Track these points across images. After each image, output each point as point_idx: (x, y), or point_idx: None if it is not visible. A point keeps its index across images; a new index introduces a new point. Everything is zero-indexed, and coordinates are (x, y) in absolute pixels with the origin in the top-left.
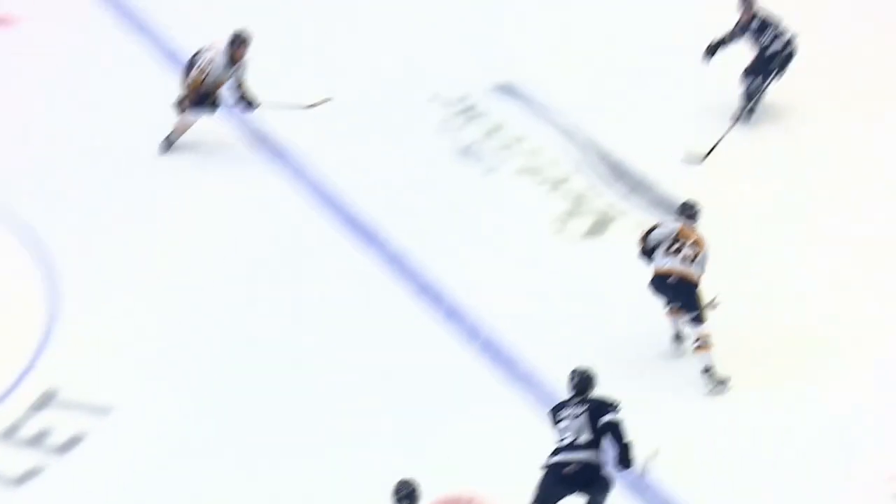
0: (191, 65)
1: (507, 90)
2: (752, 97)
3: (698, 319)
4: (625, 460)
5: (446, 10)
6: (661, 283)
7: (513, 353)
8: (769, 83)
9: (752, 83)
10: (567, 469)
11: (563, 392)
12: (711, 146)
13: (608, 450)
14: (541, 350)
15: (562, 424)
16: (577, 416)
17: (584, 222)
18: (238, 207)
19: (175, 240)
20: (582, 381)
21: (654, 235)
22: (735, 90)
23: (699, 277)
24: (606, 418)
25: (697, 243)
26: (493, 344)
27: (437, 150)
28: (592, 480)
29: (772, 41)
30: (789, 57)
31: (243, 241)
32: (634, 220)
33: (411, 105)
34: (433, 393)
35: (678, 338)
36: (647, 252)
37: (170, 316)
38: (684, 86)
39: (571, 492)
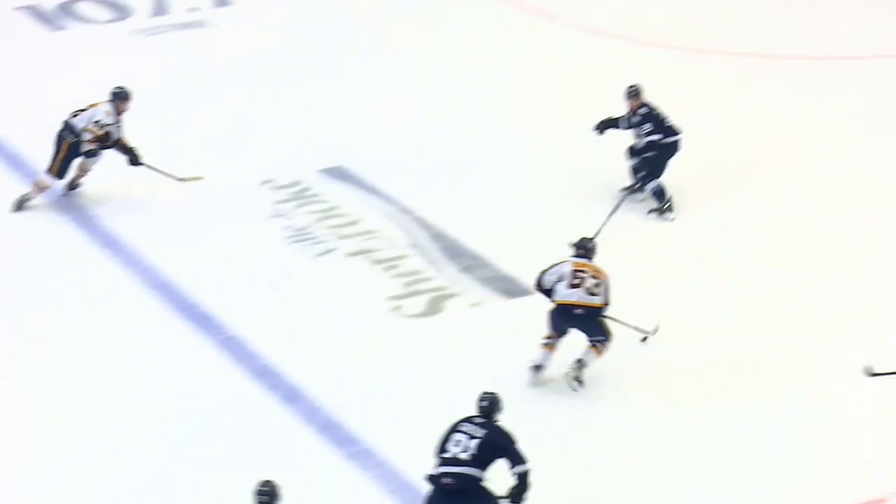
0: (69, 128)
1: (339, 174)
2: (646, 182)
3: (605, 340)
4: (516, 498)
5: (278, 94)
6: (566, 313)
7: (352, 432)
8: (656, 172)
9: (641, 170)
10: (445, 480)
11: (408, 469)
12: (600, 226)
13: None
14: (380, 429)
15: (456, 437)
16: (472, 437)
17: (420, 301)
18: (75, 297)
19: None
20: (490, 405)
21: (551, 273)
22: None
23: (604, 305)
24: (517, 469)
25: (597, 275)
26: (332, 424)
27: (271, 234)
28: (471, 493)
29: (655, 131)
30: (674, 147)
31: (74, 329)
32: (469, 299)
33: (244, 189)
34: (275, 473)
35: (538, 368)
36: (544, 290)
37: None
38: (507, 169)
39: (449, 501)
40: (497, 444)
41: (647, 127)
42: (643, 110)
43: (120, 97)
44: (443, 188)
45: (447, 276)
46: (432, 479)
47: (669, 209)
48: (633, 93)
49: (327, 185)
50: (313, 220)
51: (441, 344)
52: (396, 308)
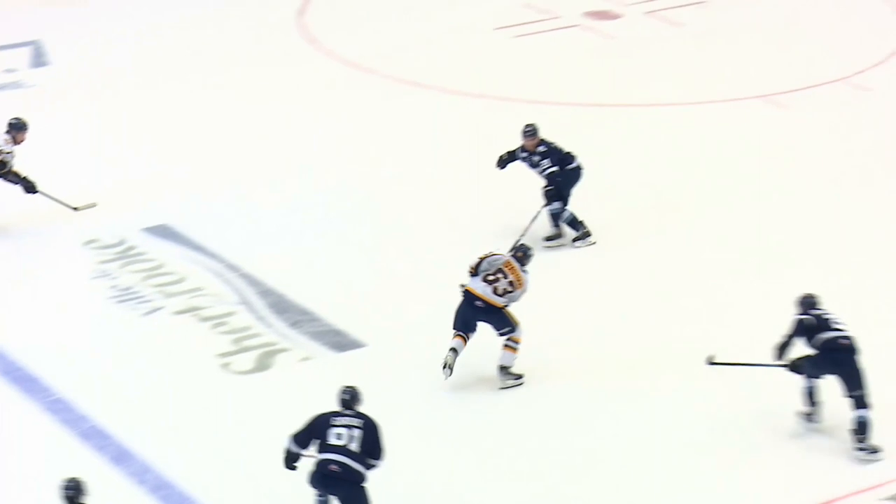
0: None
1: (163, 232)
2: (559, 219)
3: (511, 331)
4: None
5: (97, 153)
6: (470, 301)
7: (186, 491)
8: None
9: (553, 207)
10: (332, 466)
11: None
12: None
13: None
14: (215, 487)
15: (336, 430)
16: (351, 428)
17: (249, 358)
18: None
19: None
20: (351, 397)
21: (486, 262)
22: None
23: (504, 307)
24: (375, 463)
25: (515, 281)
26: (164, 484)
27: (96, 294)
28: (351, 484)
29: (554, 164)
30: (576, 175)
31: None
32: (299, 354)
33: (68, 249)
34: None
35: (448, 367)
36: (473, 272)
37: None
38: (333, 225)
39: (332, 490)
40: (373, 435)
41: (546, 163)
42: (541, 148)
43: (16, 128)
44: (269, 244)
45: (276, 331)
46: (318, 463)
47: (587, 234)
48: (530, 132)
49: (152, 244)
50: (139, 278)
51: (272, 399)
52: (226, 365)
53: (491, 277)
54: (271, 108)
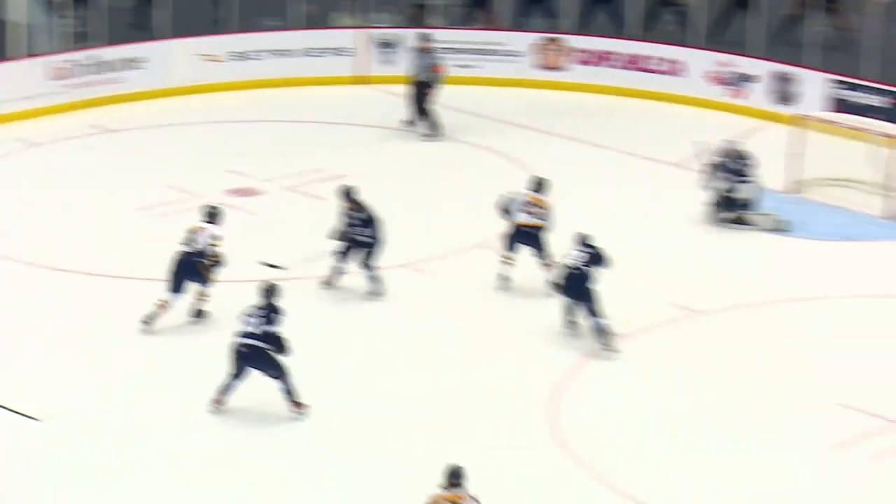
0: None
1: None
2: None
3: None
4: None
5: None
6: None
7: None
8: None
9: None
10: (241, 347)
11: None
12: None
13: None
14: None
15: (247, 318)
16: (260, 316)
17: None
18: None
19: None
20: (268, 292)
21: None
22: None
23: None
24: (273, 330)
25: (542, 205)
26: None
27: None
28: (259, 357)
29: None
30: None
31: None
32: None
33: None
34: None
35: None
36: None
37: None
38: None
39: (250, 364)
40: (274, 315)
41: (357, 223)
42: (354, 207)
43: None
44: None
45: None
46: (234, 346)
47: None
48: (345, 194)
49: None
50: None
51: None
52: None
53: (528, 209)
54: None
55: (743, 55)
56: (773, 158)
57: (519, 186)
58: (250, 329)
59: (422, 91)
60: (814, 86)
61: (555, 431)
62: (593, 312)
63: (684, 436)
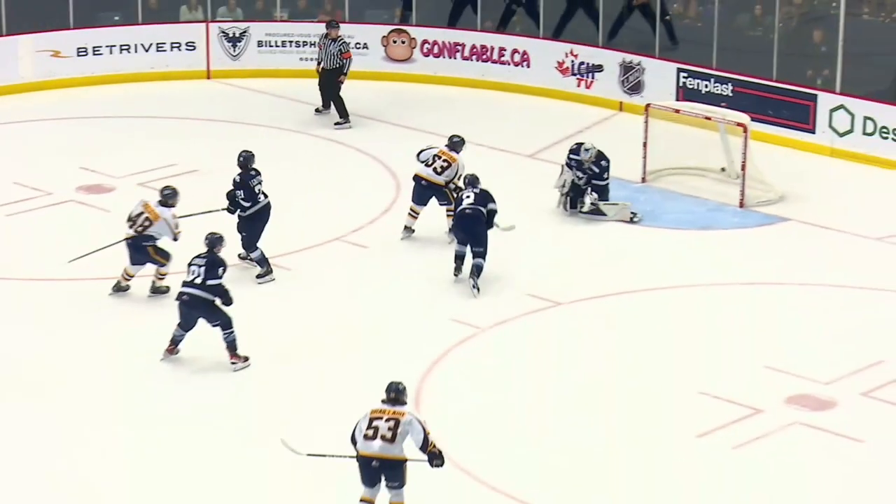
0: None
1: None
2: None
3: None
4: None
5: None
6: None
7: None
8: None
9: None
10: (183, 297)
11: None
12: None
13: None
14: None
15: (191, 268)
16: (200, 266)
17: None
18: None
19: None
20: (211, 243)
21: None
22: None
23: (447, 183)
24: (214, 283)
25: (448, 159)
26: None
27: None
28: (201, 306)
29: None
30: (265, 214)
31: None
32: None
33: None
34: None
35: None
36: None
37: None
38: None
39: (190, 312)
40: (216, 266)
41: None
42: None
43: None
44: None
45: None
46: (178, 296)
47: (270, 271)
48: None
49: None
50: None
51: None
52: None
53: (433, 164)
54: None
55: (590, 45)
56: (624, 148)
57: (371, 179)
58: (192, 278)
59: (330, 79)
60: (662, 74)
61: None
62: (477, 254)
63: (545, 428)
